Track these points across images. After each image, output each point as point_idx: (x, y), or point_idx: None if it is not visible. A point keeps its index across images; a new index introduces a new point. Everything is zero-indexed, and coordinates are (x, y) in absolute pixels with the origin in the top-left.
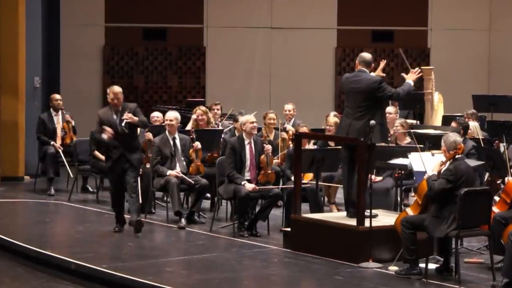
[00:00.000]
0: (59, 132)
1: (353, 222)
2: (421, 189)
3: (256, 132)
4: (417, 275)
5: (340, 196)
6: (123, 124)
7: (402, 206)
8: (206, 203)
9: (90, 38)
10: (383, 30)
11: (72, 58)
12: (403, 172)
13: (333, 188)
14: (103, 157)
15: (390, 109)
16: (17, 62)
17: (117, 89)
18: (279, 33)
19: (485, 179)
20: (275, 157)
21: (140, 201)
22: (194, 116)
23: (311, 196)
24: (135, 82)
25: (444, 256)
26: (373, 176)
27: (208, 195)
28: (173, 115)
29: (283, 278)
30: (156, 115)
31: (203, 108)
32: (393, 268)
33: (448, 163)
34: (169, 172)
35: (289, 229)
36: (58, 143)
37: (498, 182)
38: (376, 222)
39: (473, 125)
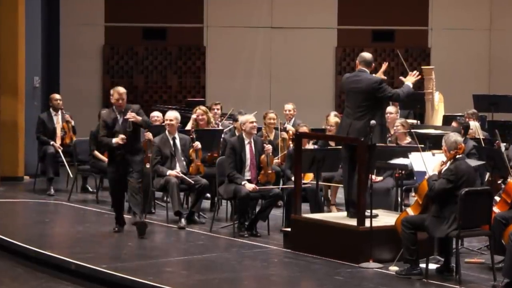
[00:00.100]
0: (58, 132)
1: (353, 222)
2: (422, 189)
3: (255, 132)
4: (417, 275)
5: (340, 196)
6: (126, 124)
7: (403, 206)
8: (206, 203)
9: (90, 37)
10: (383, 30)
11: (71, 57)
12: (403, 172)
13: (333, 189)
14: (102, 157)
15: (390, 109)
16: (16, 62)
17: (122, 90)
18: (279, 32)
19: (486, 179)
20: (276, 157)
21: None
22: (194, 116)
23: (311, 196)
24: (135, 81)
25: (444, 256)
26: (373, 176)
27: (208, 195)
28: (173, 115)
29: (283, 278)
30: (156, 115)
31: (203, 108)
32: (393, 268)
33: (448, 163)
34: (169, 172)
35: (289, 229)
36: (57, 143)
37: (499, 182)
38: (376, 222)
39: (474, 125)
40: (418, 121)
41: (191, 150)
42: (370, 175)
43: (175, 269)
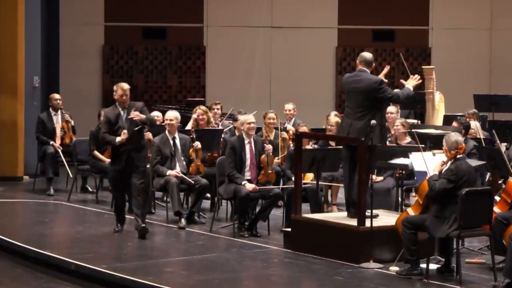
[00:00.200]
0: (58, 132)
1: (353, 222)
2: (422, 189)
3: (253, 133)
4: (418, 276)
5: (341, 196)
6: (129, 122)
7: (403, 206)
8: (206, 203)
9: (89, 37)
10: (384, 30)
11: (71, 57)
12: (404, 172)
13: (334, 189)
14: (102, 157)
15: (391, 108)
16: (16, 62)
17: (125, 86)
18: (280, 32)
19: (487, 179)
20: (276, 157)
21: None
22: (194, 116)
23: (312, 196)
24: (135, 81)
25: (445, 257)
26: (374, 176)
27: (208, 195)
28: (173, 115)
29: (284, 278)
30: (156, 114)
31: (203, 107)
32: (394, 269)
33: (449, 163)
34: (169, 172)
35: (289, 229)
36: (57, 143)
37: (500, 182)
38: (377, 222)
39: (475, 124)
40: (419, 121)
41: (191, 150)
42: (370, 175)
43: (175, 269)
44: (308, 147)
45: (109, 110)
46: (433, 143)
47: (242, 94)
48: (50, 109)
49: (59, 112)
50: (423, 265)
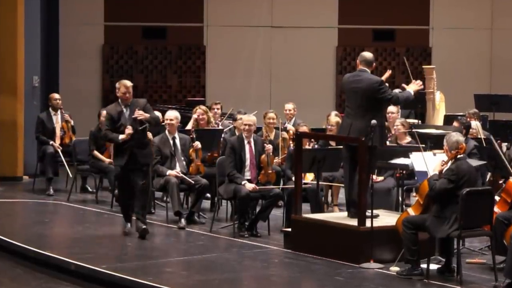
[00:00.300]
0: (58, 132)
1: (354, 222)
2: (423, 189)
3: (248, 134)
4: (418, 276)
5: (341, 196)
6: (132, 121)
7: (404, 206)
8: (206, 203)
9: (89, 37)
10: (384, 29)
11: (71, 57)
12: (404, 172)
13: (335, 190)
14: (102, 157)
15: (392, 108)
16: (15, 62)
17: (128, 83)
18: (280, 32)
19: (487, 179)
20: (277, 157)
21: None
22: (195, 116)
23: (312, 196)
24: (135, 81)
25: (446, 257)
26: (374, 176)
27: (208, 195)
28: (173, 115)
29: (284, 278)
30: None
31: (203, 107)
32: (394, 269)
33: (450, 162)
34: (169, 172)
35: (289, 229)
36: (57, 142)
37: (500, 182)
38: (377, 222)
39: (475, 124)
40: (419, 121)
41: (191, 150)
42: (371, 175)
43: (175, 270)
44: (309, 146)
45: (111, 107)
46: (433, 143)
47: (242, 94)
48: (50, 109)
49: (58, 112)
50: (424, 265)
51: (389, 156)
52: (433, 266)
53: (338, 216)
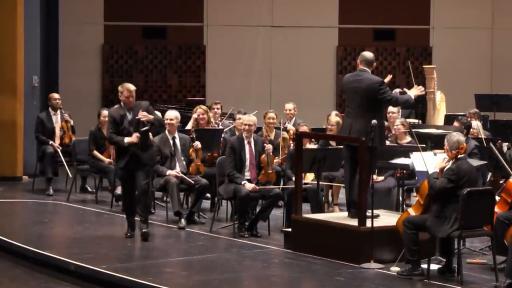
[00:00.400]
0: (57, 132)
1: (354, 222)
2: (423, 189)
3: (248, 134)
4: (419, 276)
5: (341, 196)
6: (135, 122)
7: (404, 206)
8: (206, 203)
9: (89, 36)
10: (384, 29)
11: (71, 57)
12: (405, 172)
13: (335, 190)
14: (102, 157)
15: (392, 108)
16: (15, 61)
17: (132, 87)
18: (280, 31)
19: (488, 179)
20: (277, 157)
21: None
22: (195, 115)
23: (312, 196)
24: (135, 81)
25: (446, 257)
26: (374, 176)
27: (208, 195)
28: (173, 114)
29: (284, 278)
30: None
31: (204, 107)
32: (394, 269)
33: (450, 162)
34: (168, 172)
35: (289, 229)
36: (56, 142)
37: (501, 182)
38: (377, 223)
39: (476, 124)
40: (420, 121)
41: (191, 150)
42: (371, 175)
43: (175, 270)
44: (309, 146)
45: (114, 110)
46: (434, 143)
47: (242, 93)
48: (50, 109)
49: (58, 111)
50: (424, 266)
51: (389, 156)
52: (434, 266)
53: (339, 216)
